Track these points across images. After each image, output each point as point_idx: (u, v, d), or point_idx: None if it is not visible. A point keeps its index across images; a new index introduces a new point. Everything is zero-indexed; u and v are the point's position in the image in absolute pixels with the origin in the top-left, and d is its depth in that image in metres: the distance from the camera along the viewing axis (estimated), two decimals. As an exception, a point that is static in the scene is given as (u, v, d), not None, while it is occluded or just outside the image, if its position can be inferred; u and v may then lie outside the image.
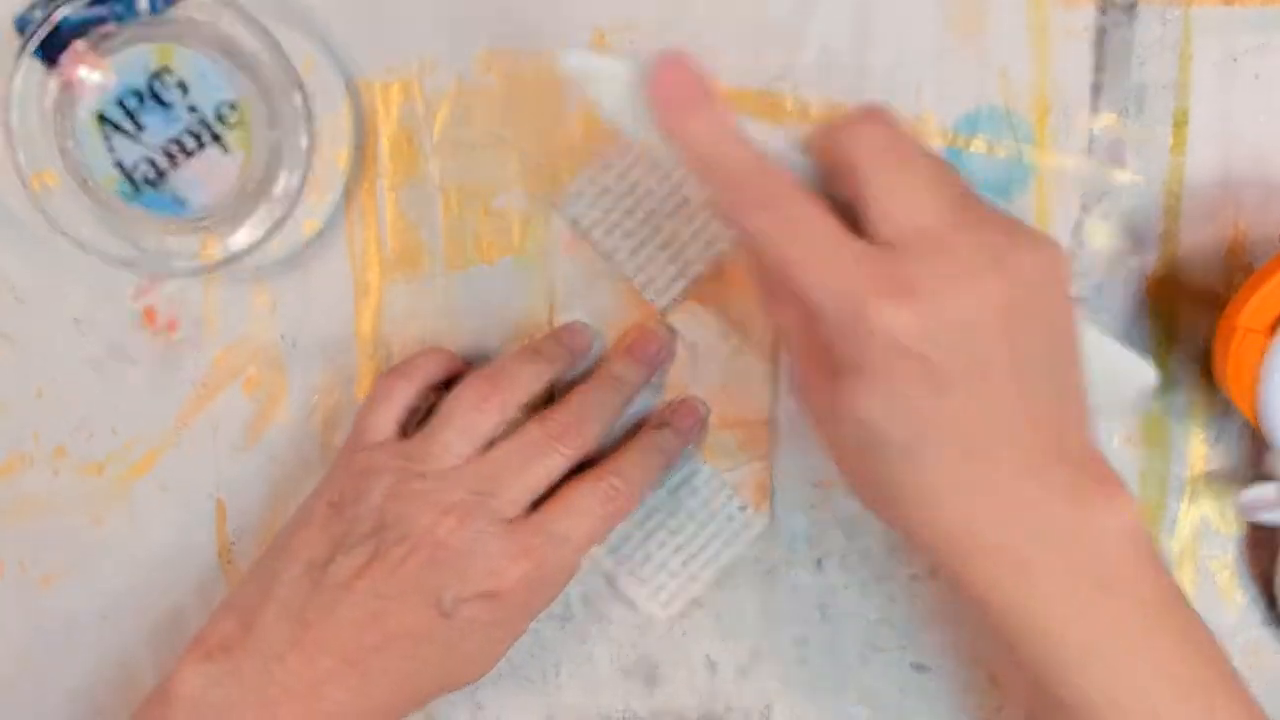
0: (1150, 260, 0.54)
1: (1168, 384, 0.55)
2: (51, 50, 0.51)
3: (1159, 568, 0.43)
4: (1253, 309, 0.49)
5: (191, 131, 0.52)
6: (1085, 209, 0.54)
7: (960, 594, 0.43)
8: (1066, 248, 0.54)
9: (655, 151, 0.52)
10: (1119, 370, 0.47)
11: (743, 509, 0.55)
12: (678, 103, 0.40)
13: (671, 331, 0.54)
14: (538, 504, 0.50)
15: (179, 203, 0.52)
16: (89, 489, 0.55)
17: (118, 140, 0.52)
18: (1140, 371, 0.47)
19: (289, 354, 0.55)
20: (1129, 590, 0.42)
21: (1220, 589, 0.55)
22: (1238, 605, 0.56)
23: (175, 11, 0.51)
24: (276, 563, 0.50)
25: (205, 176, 0.52)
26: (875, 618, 0.56)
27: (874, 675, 0.56)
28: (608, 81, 0.40)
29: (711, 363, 0.54)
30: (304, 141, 0.52)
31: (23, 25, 0.51)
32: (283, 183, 0.52)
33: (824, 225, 0.40)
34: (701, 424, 0.54)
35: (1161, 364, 0.54)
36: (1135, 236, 0.54)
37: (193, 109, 0.52)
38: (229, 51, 0.51)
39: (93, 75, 0.51)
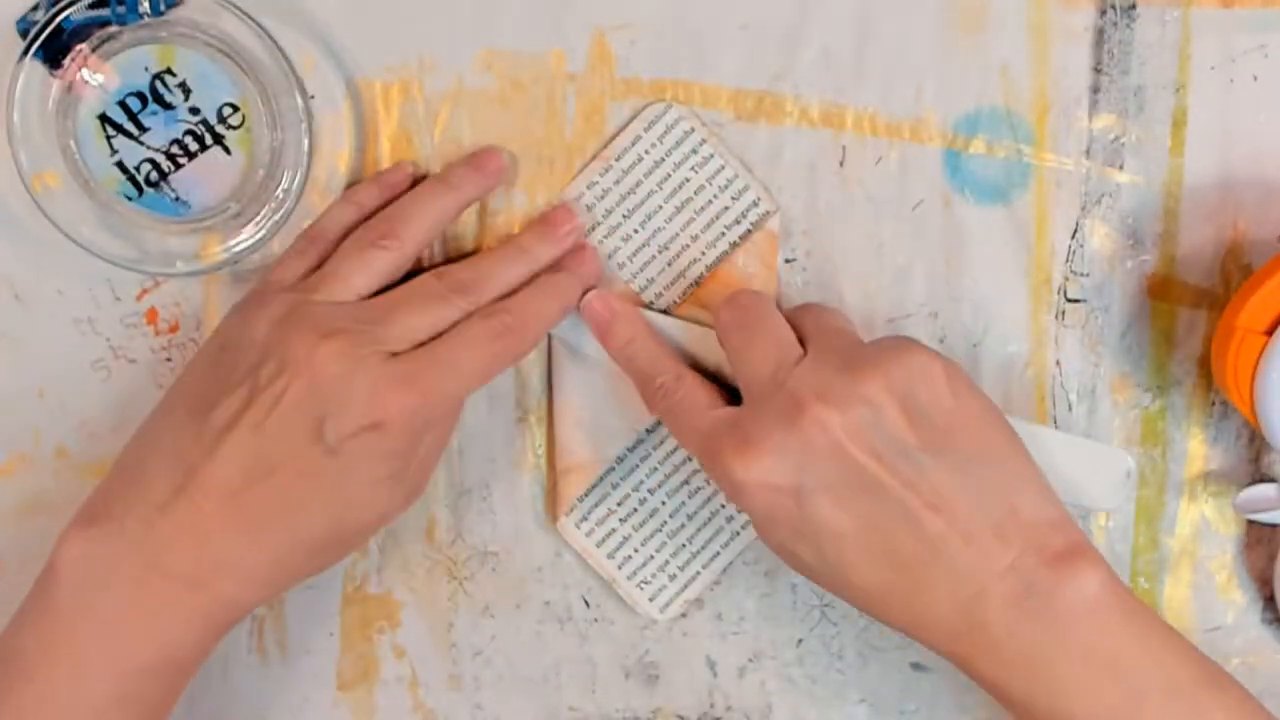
0: (1149, 260, 0.54)
1: (1168, 384, 0.55)
2: (54, 52, 0.51)
3: (1141, 618, 0.46)
4: (1251, 310, 0.49)
5: (193, 132, 0.52)
6: (1084, 209, 0.54)
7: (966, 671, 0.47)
8: (1065, 248, 0.54)
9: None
10: (1095, 465, 0.51)
11: (741, 511, 0.54)
12: (601, 325, 0.52)
13: (583, 214, 0.53)
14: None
15: (180, 203, 0.53)
16: (90, 489, 0.55)
17: (119, 141, 0.52)
18: (1116, 460, 0.51)
19: (290, 354, 0.55)
20: (1115, 658, 0.45)
21: (1219, 588, 0.56)
22: (1236, 605, 0.56)
23: (176, 13, 0.51)
24: (160, 415, 0.49)
25: (207, 177, 0.52)
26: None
27: (873, 675, 0.56)
28: (569, 323, 0.53)
29: (705, 362, 0.53)
30: (305, 142, 0.52)
31: (25, 27, 0.52)
32: (284, 183, 0.52)
33: (694, 403, 0.49)
34: (598, 270, 0.53)
35: (1161, 364, 0.55)
36: (1134, 237, 0.54)
37: (194, 110, 0.52)
38: (230, 53, 0.51)
39: (94, 77, 0.51)
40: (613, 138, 0.53)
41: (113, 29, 0.51)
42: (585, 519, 0.55)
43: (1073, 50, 0.53)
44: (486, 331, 0.49)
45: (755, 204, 0.53)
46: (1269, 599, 0.55)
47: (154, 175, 0.52)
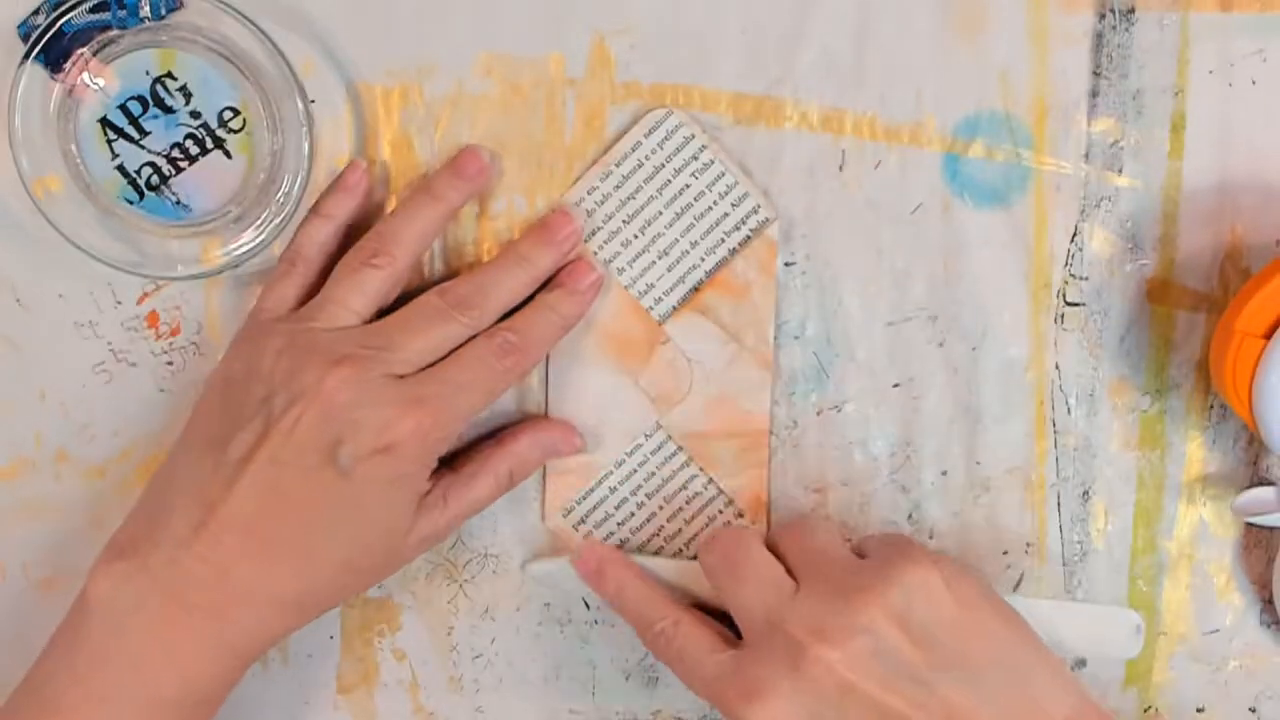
0: (1148, 264, 0.54)
1: (1166, 387, 0.55)
2: (55, 56, 0.51)
3: None
4: (1250, 313, 0.50)
5: (194, 136, 0.52)
6: (1084, 213, 0.54)
7: None
8: (1065, 251, 0.54)
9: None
10: (1102, 626, 0.53)
11: (739, 517, 0.55)
12: (590, 575, 0.53)
13: (582, 218, 0.53)
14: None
15: (181, 207, 0.53)
16: (91, 492, 0.55)
17: (120, 145, 0.52)
18: (1122, 619, 0.53)
19: (290, 358, 0.55)
20: None
21: (1217, 591, 0.56)
22: (1235, 607, 0.56)
23: (177, 17, 0.51)
24: (179, 452, 0.50)
25: (207, 181, 0.53)
26: (874, 620, 0.56)
27: (873, 677, 0.56)
28: (557, 569, 0.55)
29: (709, 372, 0.54)
30: (306, 146, 0.52)
31: (26, 31, 0.52)
32: (285, 187, 0.52)
33: (698, 645, 0.49)
34: (596, 286, 0.53)
35: (1160, 368, 0.55)
36: (1133, 240, 0.54)
37: (195, 114, 0.52)
38: (231, 57, 0.51)
39: (95, 81, 0.51)
40: (613, 143, 0.53)
41: (114, 33, 0.51)
42: (583, 521, 0.55)
43: (1072, 54, 0.53)
44: (491, 351, 0.50)
45: (755, 210, 0.53)
46: (1267, 602, 0.55)
47: (155, 179, 0.52)
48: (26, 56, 0.50)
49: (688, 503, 0.55)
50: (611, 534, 0.55)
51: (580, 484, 0.55)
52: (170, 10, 0.51)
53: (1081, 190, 0.54)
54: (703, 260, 0.54)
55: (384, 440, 0.47)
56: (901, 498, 0.55)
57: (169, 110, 0.52)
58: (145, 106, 0.52)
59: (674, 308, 0.54)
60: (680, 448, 0.55)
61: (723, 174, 0.53)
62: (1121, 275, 0.54)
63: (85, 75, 0.51)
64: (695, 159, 0.53)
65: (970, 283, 0.54)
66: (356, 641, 0.56)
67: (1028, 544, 0.56)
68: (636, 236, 0.54)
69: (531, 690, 0.56)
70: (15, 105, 0.51)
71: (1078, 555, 0.55)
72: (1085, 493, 0.55)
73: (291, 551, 0.48)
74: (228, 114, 0.52)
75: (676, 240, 0.54)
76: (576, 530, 0.55)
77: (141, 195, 0.52)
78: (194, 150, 0.52)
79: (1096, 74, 0.53)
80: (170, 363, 0.55)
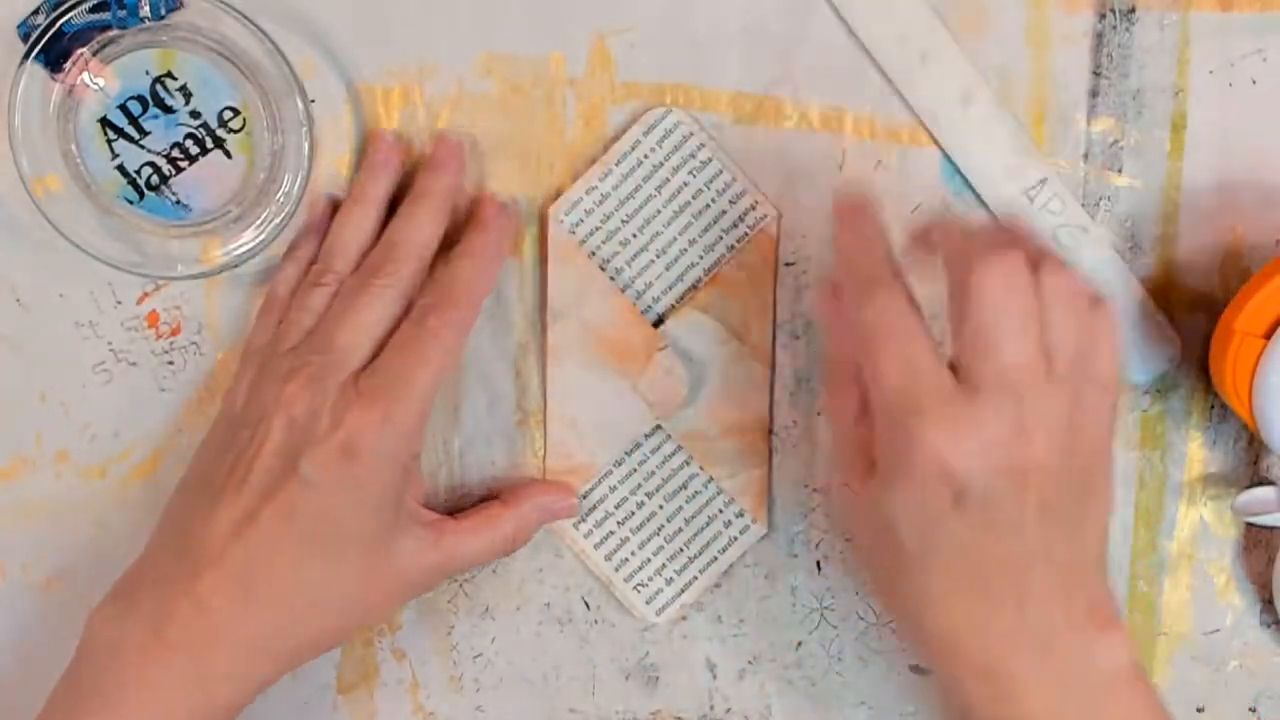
0: (1148, 264, 0.54)
1: (1166, 387, 0.55)
2: (54, 56, 0.51)
3: (1151, 706, 0.45)
4: (1250, 313, 0.50)
5: (194, 136, 0.52)
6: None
7: (947, 700, 0.46)
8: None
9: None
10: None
11: (740, 516, 0.55)
12: (846, 220, 0.47)
13: (467, 141, 0.53)
14: None
15: (181, 207, 0.53)
16: (91, 492, 0.56)
17: (120, 145, 0.52)
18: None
19: (290, 357, 0.55)
20: None
21: (1218, 591, 0.56)
22: (1235, 608, 0.56)
23: (177, 17, 0.51)
24: (175, 494, 0.51)
25: (207, 181, 0.53)
26: (874, 620, 0.56)
27: (873, 678, 0.56)
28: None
29: (709, 372, 0.54)
30: (306, 146, 0.52)
31: (26, 31, 0.52)
32: (285, 187, 0.52)
33: (922, 344, 0.44)
34: (503, 216, 0.52)
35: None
36: (1133, 240, 0.54)
37: (195, 114, 0.52)
38: (231, 57, 0.51)
39: (95, 81, 0.51)
40: (612, 141, 0.53)
41: (113, 33, 0.51)
42: (583, 520, 0.55)
43: (1072, 54, 0.53)
44: (414, 321, 0.49)
45: (753, 207, 0.53)
46: (1268, 602, 0.55)
47: (155, 179, 0.52)
48: (26, 56, 0.50)
49: (688, 502, 0.55)
50: (612, 533, 0.55)
51: (580, 483, 0.55)
52: (170, 10, 0.51)
53: (1081, 190, 0.54)
54: (701, 258, 0.54)
55: (339, 441, 0.47)
56: (901, 497, 0.55)
57: (169, 110, 0.52)
58: (145, 106, 0.52)
59: (672, 306, 0.54)
60: (680, 447, 0.55)
61: (720, 172, 0.53)
62: (1121, 275, 0.54)
63: (85, 75, 0.51)
64: (693, 157, 0.53)
65: (970, 282, 0.54)
66: (356, 641, 0.56)
67: (1028, 544, 0.56)
68: (635, 235, 0.54)
69: (531, 690, 0.56)
70: (15, 105, 0.51)
71: (1078, 555, 0.55)
72: (1085, 492, 0.55)
73: (262, 575, 0.48)
74: (228, 114, 0.52)
75: (675, 239, 0.54)
76: (577, 529, 0.55)
77: (141, 195, 0.52)
78: (194, 150, 0.52)
79: (1096, 74, 0.53)
80: (170, 363, 0.55)
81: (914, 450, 0.43)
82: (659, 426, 0.54)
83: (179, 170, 0.52)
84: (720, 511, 0.55)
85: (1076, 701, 0.44)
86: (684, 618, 0.56)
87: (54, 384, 0.55)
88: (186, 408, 0.55)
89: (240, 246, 0.53)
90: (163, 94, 0.52)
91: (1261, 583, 0.55)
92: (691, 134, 0.53)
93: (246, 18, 0.51)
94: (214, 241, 0.53)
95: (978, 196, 0.53)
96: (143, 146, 0.52)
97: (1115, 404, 0.45)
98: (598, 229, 0.54)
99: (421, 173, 0.52)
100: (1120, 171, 0.54)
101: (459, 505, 0.55)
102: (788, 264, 0.54)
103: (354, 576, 0.49)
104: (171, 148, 0.52)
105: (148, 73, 0.51)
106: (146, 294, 0.54)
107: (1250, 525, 0.55)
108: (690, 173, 0.53)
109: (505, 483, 0.55)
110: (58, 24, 0.50)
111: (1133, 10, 0.53)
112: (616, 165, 0.53)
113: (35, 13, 0.52)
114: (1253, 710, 0.56)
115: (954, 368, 0.44)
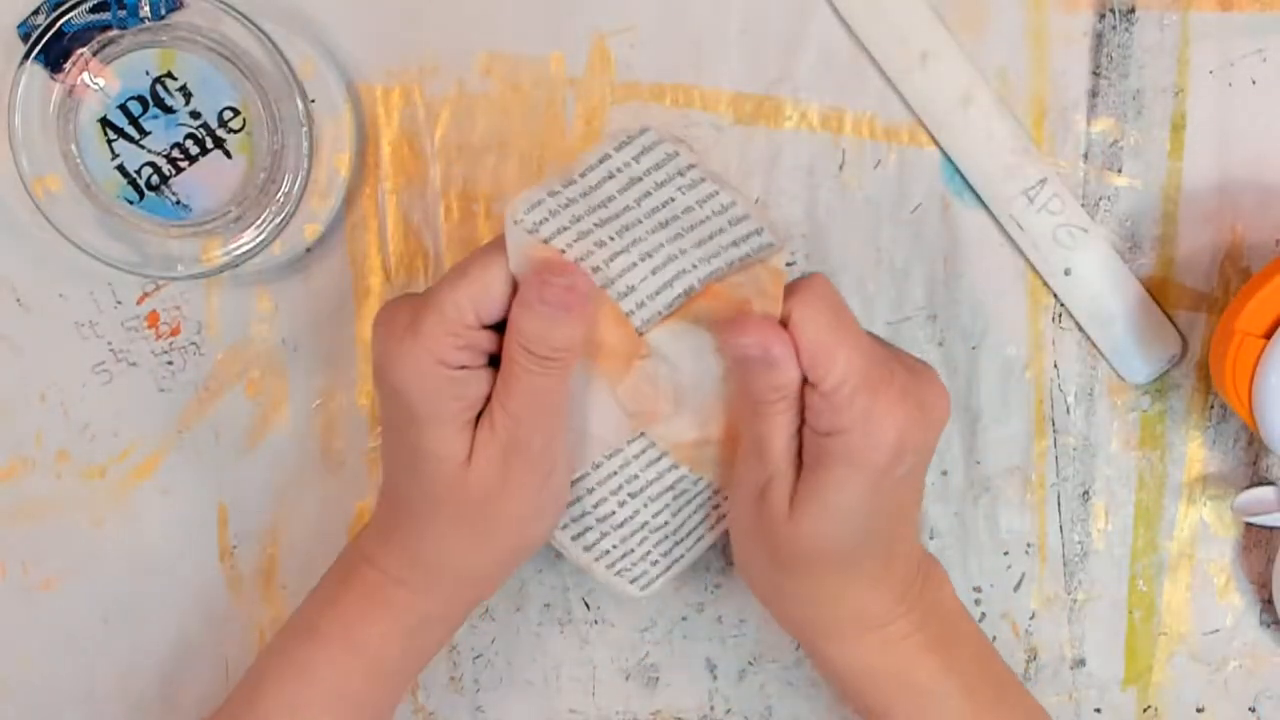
0: (1148, 264, 0.54)
1: (1166, 387, 0.55)
2: (55, 56, 0.51)
3: (970, 620, 0.53)
4: (1250, 313, 0.50)
5: (194, 136, 0.52)
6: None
7: (822, 667, 0.51)
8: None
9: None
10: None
11: (728, 499, 0.51)
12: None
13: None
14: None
15: (181, 207, 0.53)
16: (91, 492, 0.56)
17: (120, 145, 0.52)
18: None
19: (290, 358, 0.55)
20: (963, 640, 0.51)
21: (1217, 591, 0.56)
22: (1235, 607, 0.56)
23: (177, 17, 0.51)
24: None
25: (207, 181, 0.53)
26: (874, 620, 0.56)
27: (873, 677, 0.56)
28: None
29: (697, 379, 0.49)
30: (305, 146, 0.52)
31: (26, 31, 0.52)
32: (285, 187, 0.52)
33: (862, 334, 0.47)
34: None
35: (1159, 367, 0.55)
36: (1133, 240, 0.54)
37: (195, 114, 0.52)
38: (231, 57, 0.51)
39: (96, 81, 0.51)
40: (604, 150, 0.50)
41: (114, 33, 0.51)
42: (563, 528, 0.51)
43: (1072, 54, 0.53)
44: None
45: (756, 232, 0.47)
46: (1267, 602, 0.55)
47: (155, 179, 0.52)
48: (26, 56, 0.50)
49: (675, 499, 0.51)
50: (589, 528, 0.52)
51: None
52: (170, 10, 0.51)
53: (1081, 190, 0.54)
54: (694, 267, 0.48)
55: (374, 366, 0.48)
56: (901, 497, 0.55)
57: (169, 110, 0.52)
58: (145, 106, 0.52)
59: (660, 313, 0.48)
60: (665, 454, 0.51)
61: (716, 192, 0.47)
62: (1121, 275, 0.54)
63: (85, 75, 0.51)
64: (681, 175, 0.47)
65: (969, 282, 0.54)
66: (356, 641, 0.56)
67: (1028, 544, 0.56)
68: (613, 239, 0.47)
69: (531, 690, 0.56)
70: (15, 105, 0.51)
71: (1078, 555, 0.55)
72: (1085, 493, 0.55)
73: (408, 511, 0.49)
74: (228, 114, 0.52)
75: (662, 245, 0.47)
76: (564, 530, 0.52)
77: (141, 195, 0.52)
78: (194, 150, 0.52)
79: (1096, 74, 0.53)
80: (170, 363, 0.55)
81: (874, 436, 0.46)
82: (642, 434, 0.50)
83: (179, 170, 0.52)
84: (716, 507, 0.52)
85: (934, 630, 0.50)
86: (684, 619, 0.56)
87: (54, 384, 0.55)
88: (186, 408, 0.55)
89: (240, 246, 0.53)
90: (163, 94, 0.52)
91: (1261, 583, 0.55)
92: (675, 152, 0.47)
93: (246, 18, 0.51)
94: (214, 241, 0.53)
95: (978, 196, 0.54)
96: (143, 146, 0.52)
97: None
98: (566, 229, 0.47)
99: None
100: (1120, 171, 0.54)
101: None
102: (788, 265, 0.54)
103: (438, 481, 0.48)
104: (171, 148, 0.52)
105: (148, 73, 0.51)
106: (146, 294, 0.54)
107: (1250, 525, 0.55)
108: (677, 189, 0.47)
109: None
110: (58, 24, 0.50)
111: (1132, 10, 0.53)
112: (581, 177, 0.47)
113: (35, 13, 0.52)
114: (1252, 710, 0.56)
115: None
